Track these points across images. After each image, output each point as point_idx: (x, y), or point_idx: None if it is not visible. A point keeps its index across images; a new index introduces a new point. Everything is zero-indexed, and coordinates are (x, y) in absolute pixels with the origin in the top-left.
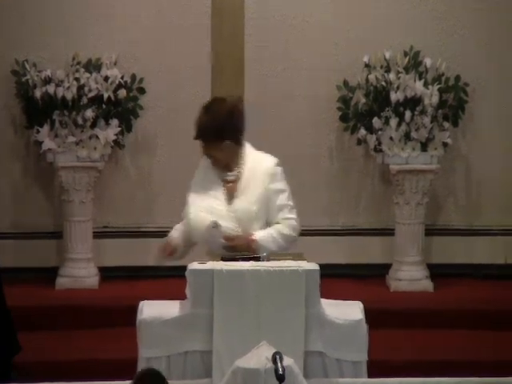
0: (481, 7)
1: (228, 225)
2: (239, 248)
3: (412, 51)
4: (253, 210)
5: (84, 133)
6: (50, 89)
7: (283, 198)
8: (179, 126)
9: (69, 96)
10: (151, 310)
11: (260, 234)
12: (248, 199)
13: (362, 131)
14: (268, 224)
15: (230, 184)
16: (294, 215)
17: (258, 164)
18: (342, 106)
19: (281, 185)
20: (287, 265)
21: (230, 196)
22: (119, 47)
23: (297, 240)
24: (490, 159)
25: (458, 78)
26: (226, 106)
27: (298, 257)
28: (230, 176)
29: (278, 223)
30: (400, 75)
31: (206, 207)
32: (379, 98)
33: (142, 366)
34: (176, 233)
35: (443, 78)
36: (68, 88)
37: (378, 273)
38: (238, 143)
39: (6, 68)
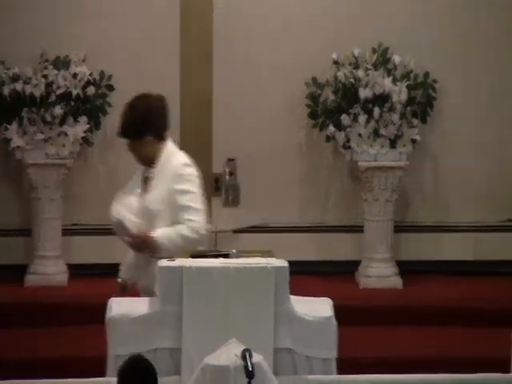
0: (449, 5)
1: (137, 222)
2: (140, 246)
3: (381, 48)
4: (155, 208)
5: (53, 130)
6: (18, 86)
7: (186, 199)
8: None
9: (37, 93)
10: (120, 307)
11: (159, 233)
12: (153, 197)
13: (331, 128)
14: (173, 223)
15: (148, 181)
16: (196, 217)
17: (168, 163)
18: (311, 103)
19: (186, 186)
20: (256, 262)
21: (146, 193)
22: (88, 45)
23: (199, 242)
24: (459, 156)
25: (426, 74)
26: (148, 102)
27: (267, 254)
28: (149, 173)
29: (181, 224)
30: (369, 72)
31: (126, 204)
32: (348, 94)
33: (111, 363)
34: (123, 269)
35: (412, 75)
36: (36, 85)
37: (347, 270)
38: (160, 139)
39: None
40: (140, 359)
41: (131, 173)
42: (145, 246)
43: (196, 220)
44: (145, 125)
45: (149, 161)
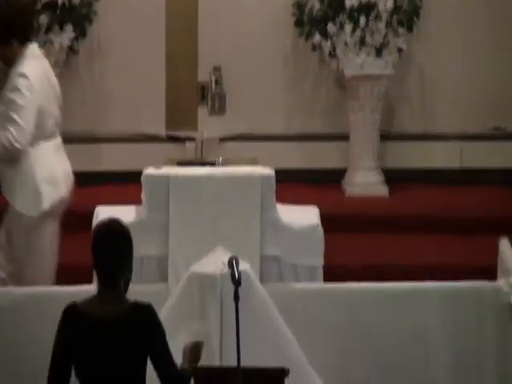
0: None
1: None
2: None
3: None
4: None
5: (38, 38)
6: None
7: (11, 109)
8: (134, 31)
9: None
10: (107, 215)
11: None
12: None
13: (317, 37)
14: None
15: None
16: (13, 129)
17: (16, 68)
18: (297, 11)
19: (14, 95)
20: (242, 170)
21: None
22: None
23: (13, 154)
24: (445, 64)
25: None
26: (16, 6)
27: (252, 162)
28: (7, 74)
29: (5, 131)
30: None
31: None
32: (334, 3)
33: None
34: None
35: None
36: None
37: (333, 178)
38: (24, 43)
39: None
40: (117, 222)
41: (118, 81)
42: None
43: (13, 132)
44: (12, 29)
45: (10, 62)
